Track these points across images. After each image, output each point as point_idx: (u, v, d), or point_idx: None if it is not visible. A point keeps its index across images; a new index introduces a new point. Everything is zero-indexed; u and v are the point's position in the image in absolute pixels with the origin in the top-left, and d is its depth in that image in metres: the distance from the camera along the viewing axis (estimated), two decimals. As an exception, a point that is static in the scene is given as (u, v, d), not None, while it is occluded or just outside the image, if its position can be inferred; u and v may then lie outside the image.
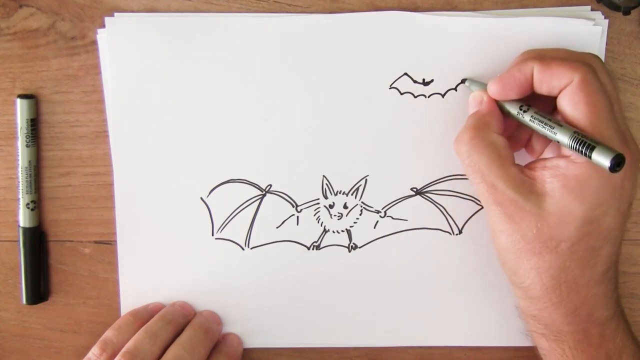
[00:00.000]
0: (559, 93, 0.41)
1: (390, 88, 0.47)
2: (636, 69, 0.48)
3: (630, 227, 0.49)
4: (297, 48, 0.47)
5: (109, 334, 0.47)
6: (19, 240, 0.49)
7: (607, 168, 0.38)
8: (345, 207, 0.49)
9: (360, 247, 0.49)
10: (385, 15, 0.46)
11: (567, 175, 0.41)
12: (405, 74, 0.47)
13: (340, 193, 0.49)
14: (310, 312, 0.50)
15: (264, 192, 0.49)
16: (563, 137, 0.40)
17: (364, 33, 0.46)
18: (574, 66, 0.41)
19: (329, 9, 0.47)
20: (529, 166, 0.43)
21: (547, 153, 0.45)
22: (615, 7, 0.45)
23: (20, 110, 0.48)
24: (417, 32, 0.46)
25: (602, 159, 0.38)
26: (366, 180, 0.49)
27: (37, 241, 0.49)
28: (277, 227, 0.49)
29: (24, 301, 0.50)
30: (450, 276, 0.49)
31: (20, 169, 0.48)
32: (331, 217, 0.49)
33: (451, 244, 0.49)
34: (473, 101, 0.45)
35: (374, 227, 0.49)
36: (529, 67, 0.42)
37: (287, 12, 0.47)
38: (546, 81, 0.41)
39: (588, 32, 0.46)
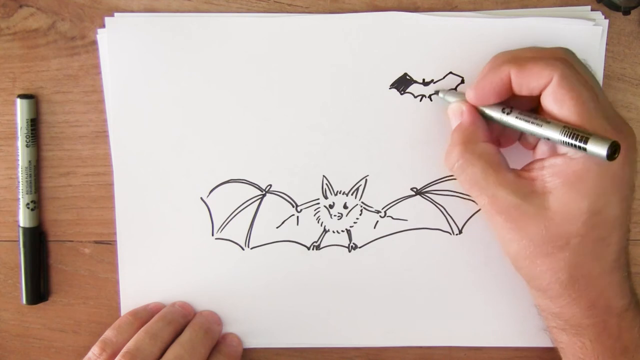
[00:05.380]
0: (540, 93, 0.41)
1: (390, 88, 0.47)
2: (636, 69, 0.48)
3: (631, 227, 0.49)
4: (297, 48, 0.47)
5: (108, 334, 0.47)
6: (19, 240, 0.49)
7: (605, 157, 0.38)
8: (345, 207, 0.49)
9: (360, 247, 0.49)
10: (385, 15, 0.46)
11: (566, 172, 0.40)
12: (405, 74, 0.47)
13: (340, 193, 0.49)
14: (310, 312, 0.50)
15: (264, 192, 0.49)
16: (553, 134, 0.40)
17: (364, 33, 0.46)
18: (551, 64, 0.40)
19: (329, 9, 0.47)
20: (526, 168, 0.43)
21: (542, 151, 0.44)
22: (615, 7, 0.45)
23: (20, 110, 0.48)
24: (417, 32, 0.46)
25: (597, 149, 0.38)
26: (366, 180, 0.49)
27: (37, 241, 0.49)
28: (277, 227, 0.49)
29: (24, 301, 0.50)
30: (450, 276, 0.49)
31: (20, 169, 0.48)
32: (331, 217, 0.49)
33: (451, 244, 0.49)
34: (453, 114, 0.45)
35: (374, 227, 0.49)
36: (505, 71, 0.42)
37: (287, 12, 0.47)
38: (525, 83, 0.41)
39: (588, 32, 0.46)
